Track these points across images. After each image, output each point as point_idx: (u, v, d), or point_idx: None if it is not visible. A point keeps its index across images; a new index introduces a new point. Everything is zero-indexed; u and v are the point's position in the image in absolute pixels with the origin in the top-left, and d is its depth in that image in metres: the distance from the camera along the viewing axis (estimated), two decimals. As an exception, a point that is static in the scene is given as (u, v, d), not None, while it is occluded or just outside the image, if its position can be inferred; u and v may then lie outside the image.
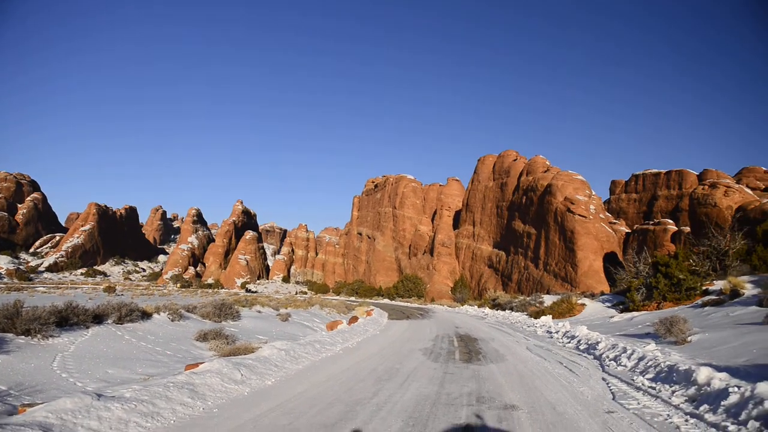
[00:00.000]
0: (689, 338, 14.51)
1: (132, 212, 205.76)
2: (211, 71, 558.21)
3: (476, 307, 55.45)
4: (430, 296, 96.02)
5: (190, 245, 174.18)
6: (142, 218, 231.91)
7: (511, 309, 42.69)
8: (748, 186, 71.86)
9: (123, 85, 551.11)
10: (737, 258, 27.08)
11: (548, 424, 7.11)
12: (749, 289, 20.72)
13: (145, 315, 15.90)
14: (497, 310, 45.99)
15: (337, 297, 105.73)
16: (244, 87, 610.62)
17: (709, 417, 7.11)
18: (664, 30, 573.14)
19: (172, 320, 16.85)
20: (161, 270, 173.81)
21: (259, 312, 25.14)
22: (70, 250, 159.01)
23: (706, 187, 66.48)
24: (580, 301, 33.70)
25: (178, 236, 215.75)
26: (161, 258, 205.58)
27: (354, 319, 25.80)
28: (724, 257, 27.74)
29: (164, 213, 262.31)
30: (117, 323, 14.12)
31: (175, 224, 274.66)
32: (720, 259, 27.92)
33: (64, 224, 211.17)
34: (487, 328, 26.20)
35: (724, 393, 7.49)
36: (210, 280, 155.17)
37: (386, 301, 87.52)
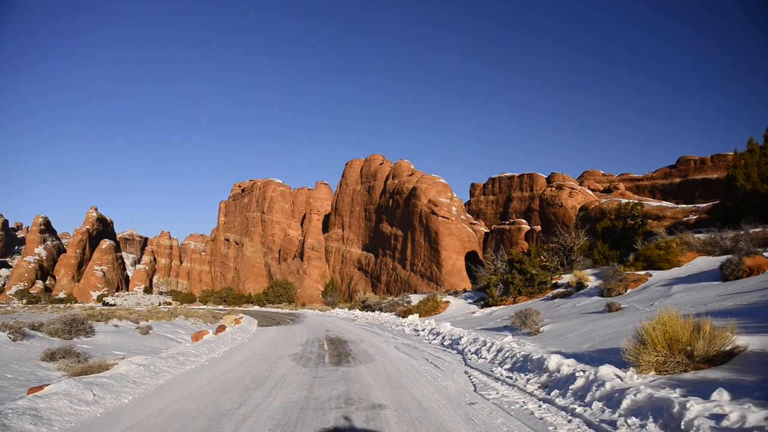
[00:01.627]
0: (542, 329, 15.58)
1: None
2: (55, 64, 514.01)
3: (347, 309, 55.82)
4: (301, 301, 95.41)
5: (37, 257, 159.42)
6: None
7: (381, 310, 43.45)
8: (589, 188, 78.87)
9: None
10: (581, 253, 29.55)
11: (414, 420, 7.27)
12: (592, 281, 22.72)
13: (-20, 336, 14.27)
14: (367, 311, 46.60)
15: (204, 306, 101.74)
16: (100, 83, 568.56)
17: (560, 401, 7.64)
18: (519, 41, 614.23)
19: (14, 340, 15.25)
20: (3, 285, 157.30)
21: (117, 326, 23.52)
22: None
23: (554, 188, 71.97)
24: (444, 299, 35.02)
25: (23, 247, 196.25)
26: (3, 272, 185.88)
27: (221, 328, 24.93)
28: (571, 253, 30.15)
29: (6, 222, 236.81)
30: (-56, 347, 12.53)
31: (20, 234, 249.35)
32: (567, 254, 30.30)
33: None
34: (358, 330, 26.44)
35: (571, 378, 8.09)
36: (62, 294, 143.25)
37: (256, 308, 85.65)
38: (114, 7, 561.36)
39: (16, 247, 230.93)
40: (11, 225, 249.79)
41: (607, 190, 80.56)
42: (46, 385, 9.50)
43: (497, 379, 10.02)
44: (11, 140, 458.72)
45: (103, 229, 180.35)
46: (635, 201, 35.26)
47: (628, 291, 18.45)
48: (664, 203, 53.84)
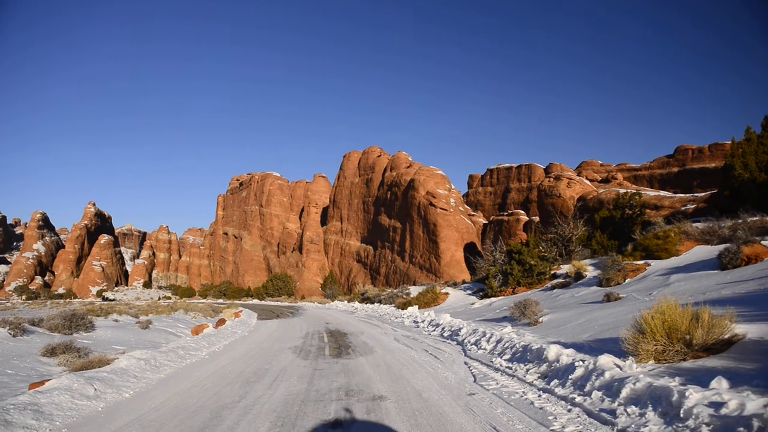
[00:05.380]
0: (541, 319, 15.62)
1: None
2: (53, 60, 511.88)
3: (346, 302, 55.94)
4: (301, 294, 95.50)
5: (35, 253, 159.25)
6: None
7: (380, 302, 43.55)
8: (587, 178, 78.88)
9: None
10: (580, 243, 29.58)
11: (414, 411, 7.31)
12: (591, 271, 22.74)
13: (-20, 332, 14.26)
14: (367, 303, 46.70)
15: (204, 300, 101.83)
16: (97, 79, 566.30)
17: (559, 391, 7.67)
18: (517, 26, 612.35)
19: (14, 335, 15.25)
20: (2, 281, 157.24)
21: (117, 321, 23.54)
22: None
23: (552, 179, 71.96)
24: (443, 291, 35.08)
25: (21, 243, 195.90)
26: (2, 268, 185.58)
27: (221, 321, 24.98)
28: (569, 243, 30.18)
29: (4, 218, 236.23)
30: (-56, 344, 12.53)
31: (18, 230, 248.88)
32: (565, 245, 30.33)
33: None
34: (357, 322, 26.50)
35: (571, 368, 8.12)
36: (61, 290, 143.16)
37: (256, 301, 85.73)
38: (111, 3, 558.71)
39: (14, 243, 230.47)
40: (9, 221, 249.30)
41: (605, 180, 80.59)
42: (47, 380, 9.52)
43: (497, 370, 10.05)
44: (9, 137, 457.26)
45: (101, 224, 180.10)
46: (633, 191, 35.25)
47: (626, 281, 18.48)
48: (662, 193, 53.89)
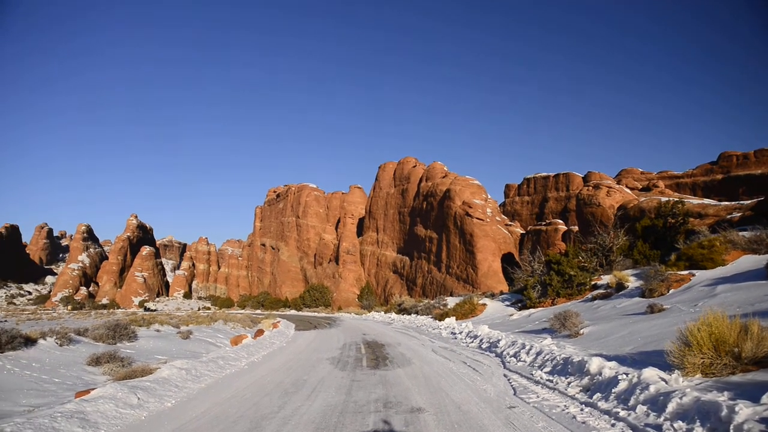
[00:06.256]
0: (582, 331, 15.33)
1: (13, 231, 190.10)
2: (90, 77, 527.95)
3: (383, 313, 55.88)
4: (337, 305, 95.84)
5: (80, 264, 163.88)
6: (26, 237, 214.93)
7: (417, 313, 43.36)
8: (627, 186, 77.31)
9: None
10: (621, 253, 28.97)
11: (453, 423, 7.24)
12: (633, 282, 22.22)
13: (30, 341, 14.68)
14: (403, 314, 46.56)
15: (243, 311, 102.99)
16: (131, 93, 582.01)
17: (602, 404, 7.51)
18: (551, 35, 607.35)
19: (61, 345, 15.69)
20: (50, 292, 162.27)
21: (158, 331, 23.99)
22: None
23: (591, 188, 70.83)
24: (481, 302, 34.77)
25: (67, 255, 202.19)
26: (49, 279, 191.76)
27: (260, 332, 25.23)
28: (610, 253, 29.58)
29: (50, 231, 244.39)
30: (-4, 353, 12.96)
31: (64, 242, 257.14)
32: (606, 255, 29.74)
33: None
34: (394, 333, 26.44)
35: (614, 381, 7.94)
36: (105, 300, 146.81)
37: (293, 312, 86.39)
38: (167, 12, 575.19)
39: (60, 255, 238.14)
40: (55, 233, 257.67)
41: (646, 189, 78.83)
42: (93, 389, 9.76)
43: (537, 383, 9.90)
44: (58, 155, 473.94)
45: (143, 236, 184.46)
46: (676, 199, 34.43)
47: (670, 291, 18.01)
48: (706, 201, 52.44)
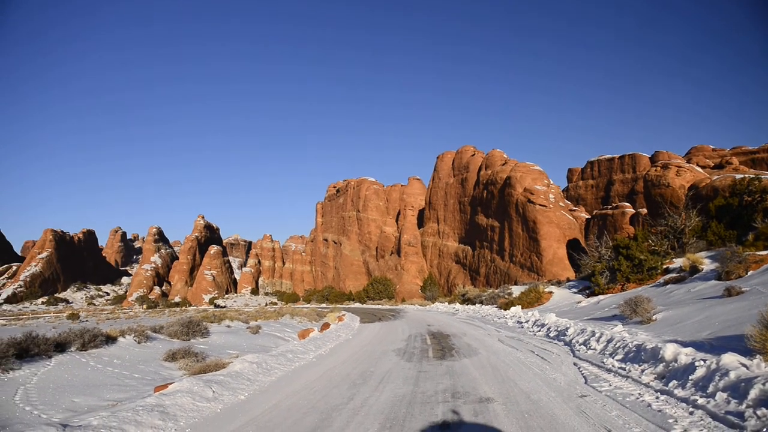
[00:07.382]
0: (654, 317, 14.84)
1: (90, 236, 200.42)
2: (159, 92, 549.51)
3: (447, 303, 55.73)
4: (401, 297, 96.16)
5: (153, 265, 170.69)
6: (101, 241, 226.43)
7: (481, 303, 43.05)
8: (698, 165, 74.02)
9: (72, 111, 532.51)
10: (693, 235, 27.81)
11: (523, 413, 7.16)
12: (707, 264, 21.29)
13: (110, 339, 15.46)
14: (467, 305, 46.31)
15: (308, 305, 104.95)
16: (192, 103, 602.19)
17: (679, 392, 7.26)
18: (611, 17, 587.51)
19: (139, 342, 16.45)
20: (126, 292, 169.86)
21: (229, 326, 24.76)
22: (28, 279, 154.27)
23: (659, 168, 68.23)
24: (547, 290, 34.17)
25: (140, 257, 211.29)
26: (125, 280, 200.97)
27: (326, 325, 25.65)
28: (681, 235, 28.46)
29: (124, 234, 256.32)
30: (81, 350, 13.69)
31: (136, 245, 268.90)
32: (677, 237, 28.63)
33: (20, 253, 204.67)
34: (459, 324, 26.34)
35: (690, 368, 7.66)
36: (177, 299, 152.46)
37: (357, 305, 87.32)
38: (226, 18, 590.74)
39: (134, 257, 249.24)
40: (129, 236, 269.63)
41: (719, 166, 75.11)
42: (170, 383, 10.18)
43: (609, 371, 9.66)
44: (134, 168, 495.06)
45: (210, 235, 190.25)
46: (752, 175, 32.71)
47: (749, 273, 17.17)
48: (785, 176, 49.64)
